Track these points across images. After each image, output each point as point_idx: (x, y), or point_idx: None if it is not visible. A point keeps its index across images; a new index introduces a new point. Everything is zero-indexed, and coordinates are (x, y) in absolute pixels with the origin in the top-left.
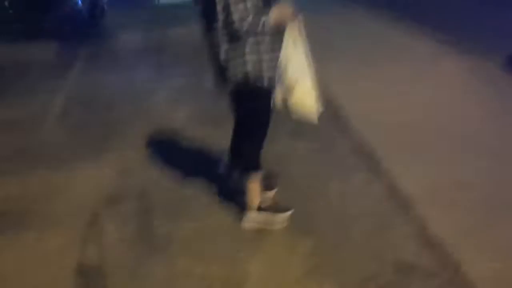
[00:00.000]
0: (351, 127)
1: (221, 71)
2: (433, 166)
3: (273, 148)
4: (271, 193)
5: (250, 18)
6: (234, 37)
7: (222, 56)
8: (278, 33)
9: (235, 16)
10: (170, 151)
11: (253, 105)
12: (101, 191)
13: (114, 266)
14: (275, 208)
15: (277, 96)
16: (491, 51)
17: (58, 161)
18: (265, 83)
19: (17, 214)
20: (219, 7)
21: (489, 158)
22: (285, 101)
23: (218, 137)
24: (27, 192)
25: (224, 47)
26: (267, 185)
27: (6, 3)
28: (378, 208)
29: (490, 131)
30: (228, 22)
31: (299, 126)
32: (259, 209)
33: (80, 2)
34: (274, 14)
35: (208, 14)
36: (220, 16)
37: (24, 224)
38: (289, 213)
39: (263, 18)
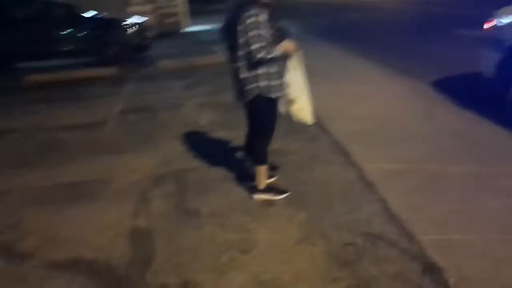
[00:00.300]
0: (328, 130)
1: (241, 88)
2: (385, 155)
3: (272, 146)
4: (273, 178)
5: (264, 51)
6: (250, 63)
7: (241, 75)
8: (283, 63)
9: (253, 48)
10: (198, 146)
11: (264, 113)
12: (148, 175)
13: (157, 233)
14: (276, 190)
15: (282, 106)
16: (426, 75)
17: (116, 152)
18: (273, 96)
19: (86, 187)
20: (241, 41)
21: (421, 142)
22: (287, 110)
23: (234, 136)
24: (93, 172)
25: (244, 70)
26: (270, 174)
27: (79, 39)
28: (351, 191)
29: (424, 125)
30: (247, 52)
31: (291, 127)
32: (265, 190)
33: (130, 35)
34: (281, 48)
35: (232, 46)
36: (242, 48)
37: (90, 197)
38: (286, 195)
39: (273, 51)
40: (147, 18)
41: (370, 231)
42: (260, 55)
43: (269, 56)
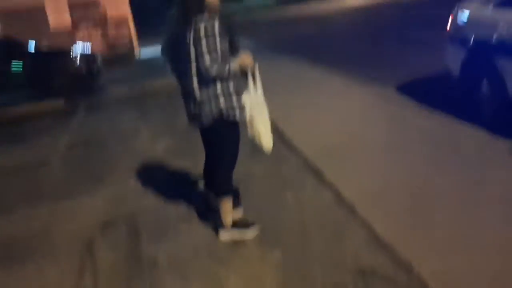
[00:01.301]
0: (295, 148)
1: (197, 110)
2: (363, 172)
3: (237, 168)
4: (238, 210)
5: (218, 64)
6: (206, 81)
7: (198, 98)
8: (240, 78)
9: (207, 64)
10: (155, 179)
11: (226, 136)
12: (95, 221)
13: None
14: (244, 222)
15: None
16: (387, 82)
17: (60, 197)
18: (237, 117)
19: (22, 245)
20: (192, 56)
21: (399, 153)
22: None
23: (193, 164)
24: (31, 225)
25: (198, 90)
26: (234, 203)
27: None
28: (330, 216)
29: (397, 134)
30: (200, 70)
31: (255, 149)
32: (232, 225)
33: (79, 63)
34: (237, 62)
35: (181, 66)
36: (193, 64)
37: (28, 256)
38: (256, 230)
39: (228, 65)
40: (91, 45)
41: (360, 266)
42: (217, 71)
43: (225, 73)
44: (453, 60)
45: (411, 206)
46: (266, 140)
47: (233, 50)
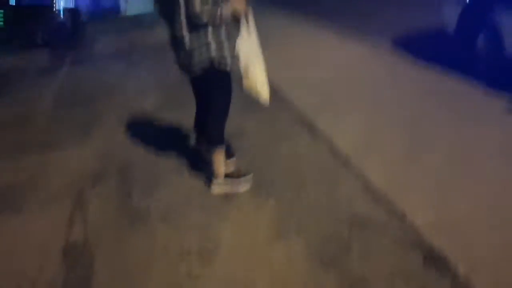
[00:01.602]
0: (289, 102)
1: (187, 59)
2: (357, 124)
3: (228, 124)
4: (231, 161)
5: (209, 9)
6: (196, 27)
7: (187, 45)
8: (233, 23)
9: (196, 8)
10: (144, 133)
11: (218, 86)
12: (85, 171)
13: (98, 243)
14: (237, 173)
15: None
16: (382, 36)
17: (47, 149)
18: (228, 66)
19: (9, 195)
20: (181, 1)
21: (393, 106)
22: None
23: (183, 117)
24: (18, 175)
25: (187, 37)
26: (227, 155)
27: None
28: (324, 168)
29: (391, 87)
30: (189, 14)
31: (247, 103)
32: (225, 176)
33: (62, 17)
34: (230, 5)
35: (169, 9)
36: (182, 10)
37: (14, 206)
38: (250, 176)
39: (220, 8)
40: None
41: (354, 216)
42: (208, 16)
43: (216, 17)
44: (449, 14)
45: (405, 157)
46: (263, 90)
47: None
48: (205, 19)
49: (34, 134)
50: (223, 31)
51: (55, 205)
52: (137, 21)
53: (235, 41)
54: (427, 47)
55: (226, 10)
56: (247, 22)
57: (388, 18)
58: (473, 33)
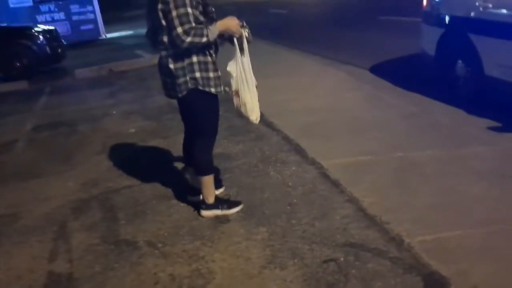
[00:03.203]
0: (275, 127)
1: (170, 79)
2: (344, 148)
3: (216, 147)
4: (220, 192)
5: (191, 36)
6: (180, 50)
7: (171, 65)
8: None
9: (180, 30)
10: (128, 160)
11: (202, 109)
12: (67, 202)
13: (84, 275)
14: (227, 202)
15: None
16: (363, 62)
17: (27, 177)
18: (214, 87)
19: None
20: (165, 23)
21: (377, 130)
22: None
23: (169, 144)
24: None
25: (173, 60)
26: (215, 185)
27: None
28: (315, 192)
29: (375, 112)
30: (174, 37)
31: (234, 127)
32: (215, 204)
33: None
34: (221, 25)
35: (155, 31)
36: (167, 32)
37: None
38: (240, 207)
39: (206, 33)
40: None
41: (349, 241)
42: (189, 39)
43: (203, 40)
44: (429, 39)
45: (394, 180)
46: (254, 109)
47: (208, 19)
48: (187, 45)
49: (12, 163)
50: (208, 52)
51: (36, 236)
52: (117, 43)
53: (224, 61)
54: (406, 72)
55: (212, 32)
56: (241, 42)
57: (368, 45)
58: (452, 57)
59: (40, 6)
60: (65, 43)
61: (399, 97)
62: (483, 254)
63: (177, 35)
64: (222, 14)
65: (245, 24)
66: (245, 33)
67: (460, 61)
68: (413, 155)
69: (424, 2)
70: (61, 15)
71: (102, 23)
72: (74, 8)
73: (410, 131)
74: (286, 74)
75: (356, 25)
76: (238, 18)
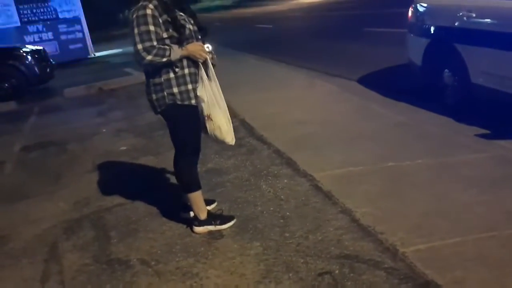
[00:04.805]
0: (265, 140)
1: (149, 95)
2: (335, 160)
3: (206, 165)
4: (212, 206)
5: (152, 55)
6: (157, 67)
7: (151, 82)
8: (195, 69)
9: (139, 48)
10: (119, 178)
11: (182, 125)
12: (58, 223)
13: None
14: (220, 218)
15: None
16: (350, 74)
17: (16, 199)
18: (193, 99)
19: None
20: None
21: (366, 141)
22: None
23: (160, 162)
24: None
25: (150, 75)
26: (207, 202)
27: None
28: (307, 205)
29: (364, 122)
30: (134, 53)
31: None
32: (207, 220)
33: (32, 64)
34: (185, 51)
35: None
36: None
37: None
38: (233, 222)
39: (170, 50)
40: (43, 44)
41: (344, 252)
42: (150, 58)
43: (164, 60)
44: (415, 49)
45: (386, 190)
46: (228, 132)
47: (184, 38)
48: (147, 62)
49: (1, 182)
50: (186, 66)
51: (26, 258)
52: (106, 62)
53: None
54: (394, 82)
55: (175, 54)
56: (207, 67)
57: (355, 57)
58: (438, 66)
59: (28, 27)
60: (53, 62)
61: (387, 107)
62: (478, 262)
63: (137, 51)
64: (213, 30)
65: (210, 49)
66: (209, 58)
67: (446, 70)
68: (404, 164)
69: (410, 13)
70: (49, 35)
71: (90, 41)
72: (62, 27)
73: (400, 141)
74: (274, 88)
75: (342, 37)
76: (209, 42)
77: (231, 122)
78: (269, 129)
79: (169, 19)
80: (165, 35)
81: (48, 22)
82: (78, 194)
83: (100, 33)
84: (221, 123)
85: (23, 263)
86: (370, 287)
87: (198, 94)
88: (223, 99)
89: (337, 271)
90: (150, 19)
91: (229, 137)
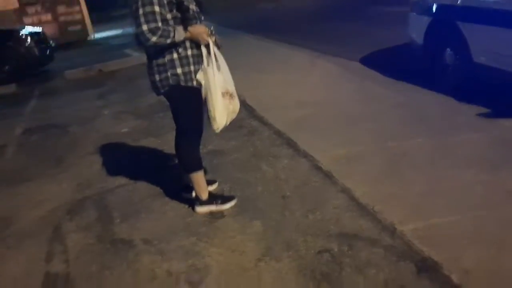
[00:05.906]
0: (266, 121)
1: (152, 76)
2: (336, 140)
3: (207, 147)
4: (213, 187)
5: (157, 36)
6: (160, 47)
7: (154, 63)
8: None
9: (144, 29)
10: (121, 160)
11: (185, 106)
12: (61, 204)
13: (81, 275)
14: (221, 198)
15: None
16: (352, 55)
17: (18, 181)
18: (196, 81)
19: None
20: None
21: (367, 121)
22: None
23: (161, 143)
24: None
25: (153, 56)
26: (208, 182)
27: None
28: (307, 184)
29: (365, 103)
30: (138, 35)
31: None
32: (209, 200)
33: (32, 46)
34: (188, 34)
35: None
36: (136, 30)
37: None
38: (233, 202)
39: (174, 31)
40: (42, 26)
41: (342, 231)
42: (155, 39)
43: (169, 41)
44: (417, 28)
45: (385, 169)
46: (216, 120)
47: (187, 18)
48: (152, 43)
49: (3, 167)
50: (189, 47)
51: (30, 239)
52: (106, 43)
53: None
54: (396, 62)
55: (179, 36)
56: (210, 50)
57: (357, 36)
58: (440, 45)
59: (27, 8)
60: (53, 44)
61: (389, 87)
62: (475, 239)
63: (142, 32)
64: (212, 8)
65: (213, 32)
66: (212, 41)
67: (448, 49)
68: (404, 144)
69: None
70: (48, 17)
71: (90, 23)
72: (61, 9)
73: (401, 121)
74: (275, 68)
75: (344, 17)
76: (211, 26)
77: (221, 111)
78: (270, 110)
79: (174, 0)
80: (169, 16)
81: (47, 4)
82: (80, 176)
83: (100, 13)
84: (210, 108)
85: (28, 244)
86: (368, 264)
87: (197, 77)
88: (231, 83)
89: (336, 249)
90: (155, 2)
91: (215, 125)
